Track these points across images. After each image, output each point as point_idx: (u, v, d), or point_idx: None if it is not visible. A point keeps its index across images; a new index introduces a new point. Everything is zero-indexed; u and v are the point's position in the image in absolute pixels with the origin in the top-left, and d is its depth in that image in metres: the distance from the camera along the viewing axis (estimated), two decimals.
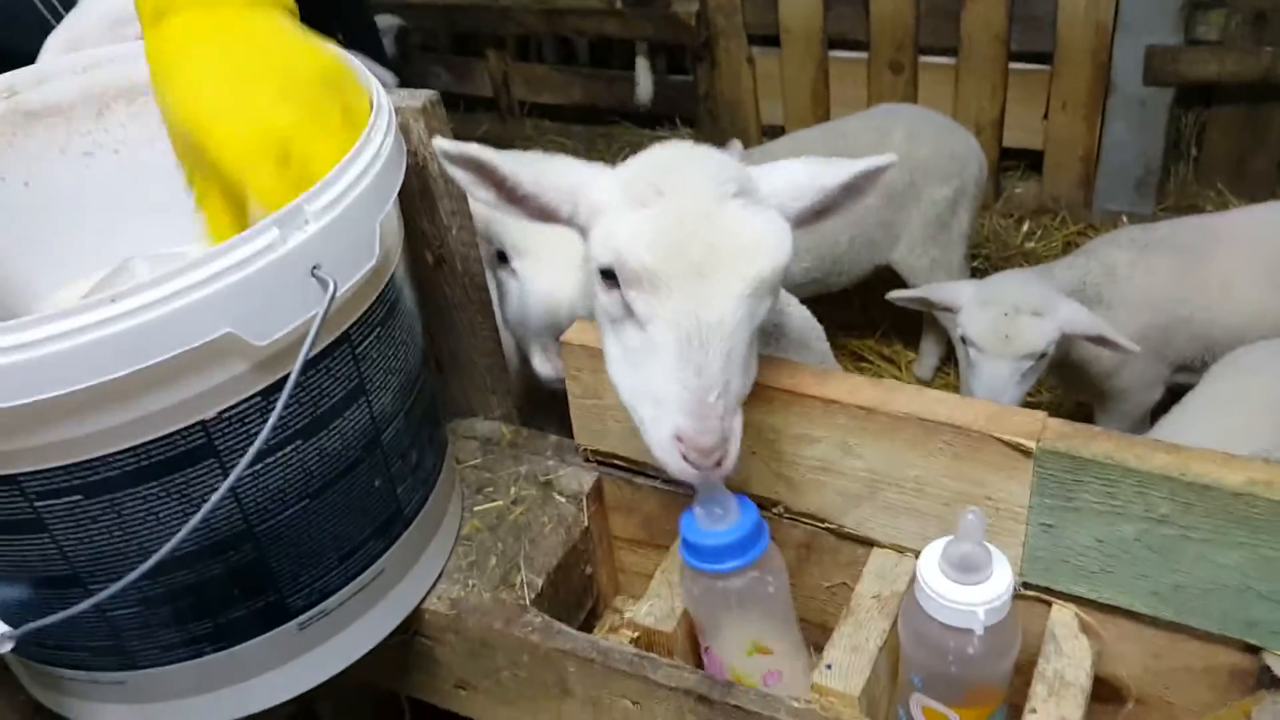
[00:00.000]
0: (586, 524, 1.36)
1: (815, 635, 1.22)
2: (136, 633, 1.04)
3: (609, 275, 1.04)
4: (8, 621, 0.99)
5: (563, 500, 1.38)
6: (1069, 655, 1.11)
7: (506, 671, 1.24)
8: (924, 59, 3.95)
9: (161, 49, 1.11)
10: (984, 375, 2.38)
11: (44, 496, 0.93)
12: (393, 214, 1.13)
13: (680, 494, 1.33)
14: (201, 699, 1.11)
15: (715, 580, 1.11)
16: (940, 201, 2.96)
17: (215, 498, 0.92)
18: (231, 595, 1.05)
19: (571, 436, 1.41)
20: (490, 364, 1.47)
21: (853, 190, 1.14)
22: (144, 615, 1.03)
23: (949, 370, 3.27)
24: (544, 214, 1.14)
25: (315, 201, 0.96)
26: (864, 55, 4.04)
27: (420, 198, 1.32)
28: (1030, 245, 3.75)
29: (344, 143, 1.03)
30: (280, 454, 1.01)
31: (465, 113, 5.02)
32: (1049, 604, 1.15)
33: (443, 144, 1.10)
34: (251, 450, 0.93)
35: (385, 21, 4.38)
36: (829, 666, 1.10)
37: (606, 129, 4.78)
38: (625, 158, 1.14)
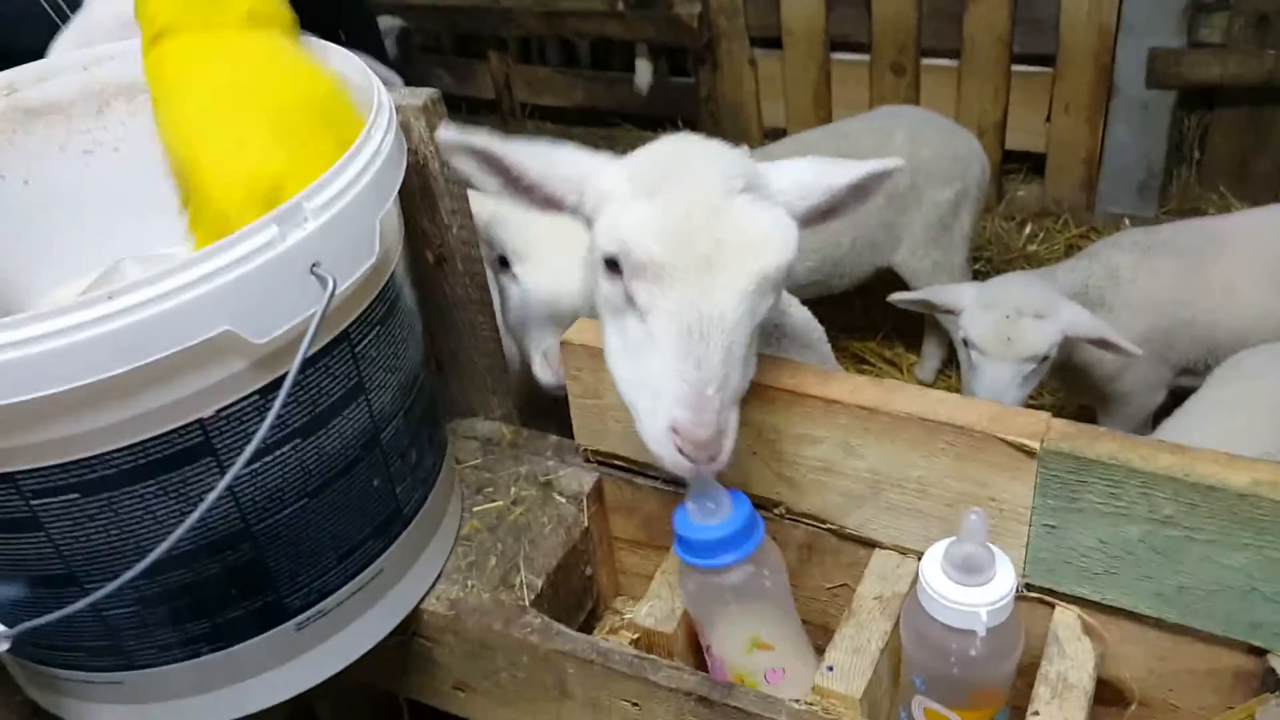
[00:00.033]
0: (586, 524, 1.36)
1: (817, 637, 1.21)
2: (133, 632, 1.04)
3: (613, 265, 1.04)
4: (4, 621, 0.98)
5: (563, 501, 1.37)
6: (1072, 657, 1.10)
7: (506, 673, 1.23)
8: (926, 61, 3.94)
9: (159, 71, 1.10)
10: (986, 378, 2.37)
11: (40, 495, 0.92)
12: (393, 212, 1.12)
13: (681, 494, 1.32)
14: (199, 699, 1.10)
15: (710, 576, 1.11)
16: (942, 204, 2.95)
17: (212, 496, 0.92)
18: (229, 595, 1.04)
19: (572, 439, 1.40)
20: (491, 364, 1.47)
21: (860, 192, 1.14)
22: (141, 615, 1.02)
23: (951, 373, 3.27)
24: (548, 203, 1.13)
25: (315, 199, 0.95)
26: (866, 57, 4.03)
27: (421, 196, 1.31)
28: (1032, 248, 3.74)
29: None
30: (278, 453, 1.00)
31: (467, 115, 5.02)
32: (1052, 606, 1.14)
33: (446, 134, 1.10)
34: (249, 449, 0.92)
35: (387, 23, 4.37)
36: (830, 668, 1.10)
37: (608, 131, 4.77)
38: None
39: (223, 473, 0.96)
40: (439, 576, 1.28)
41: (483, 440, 1.48)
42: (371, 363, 1.08)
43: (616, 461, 1.37)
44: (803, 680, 1.14)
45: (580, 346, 1.27)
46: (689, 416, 0.96)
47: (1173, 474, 1.00)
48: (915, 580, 1.05)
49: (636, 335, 1.03)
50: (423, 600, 1.25)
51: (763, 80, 4.32)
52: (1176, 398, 2.52)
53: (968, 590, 0.99)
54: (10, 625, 0.97)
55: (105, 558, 0.97)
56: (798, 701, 1.08)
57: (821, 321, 1.46)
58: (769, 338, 1.30)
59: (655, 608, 1.23)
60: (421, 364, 1.21)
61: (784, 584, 1.15)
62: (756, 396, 1.16)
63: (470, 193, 1.39)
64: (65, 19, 1.52)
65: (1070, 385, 2.77)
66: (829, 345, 1.45)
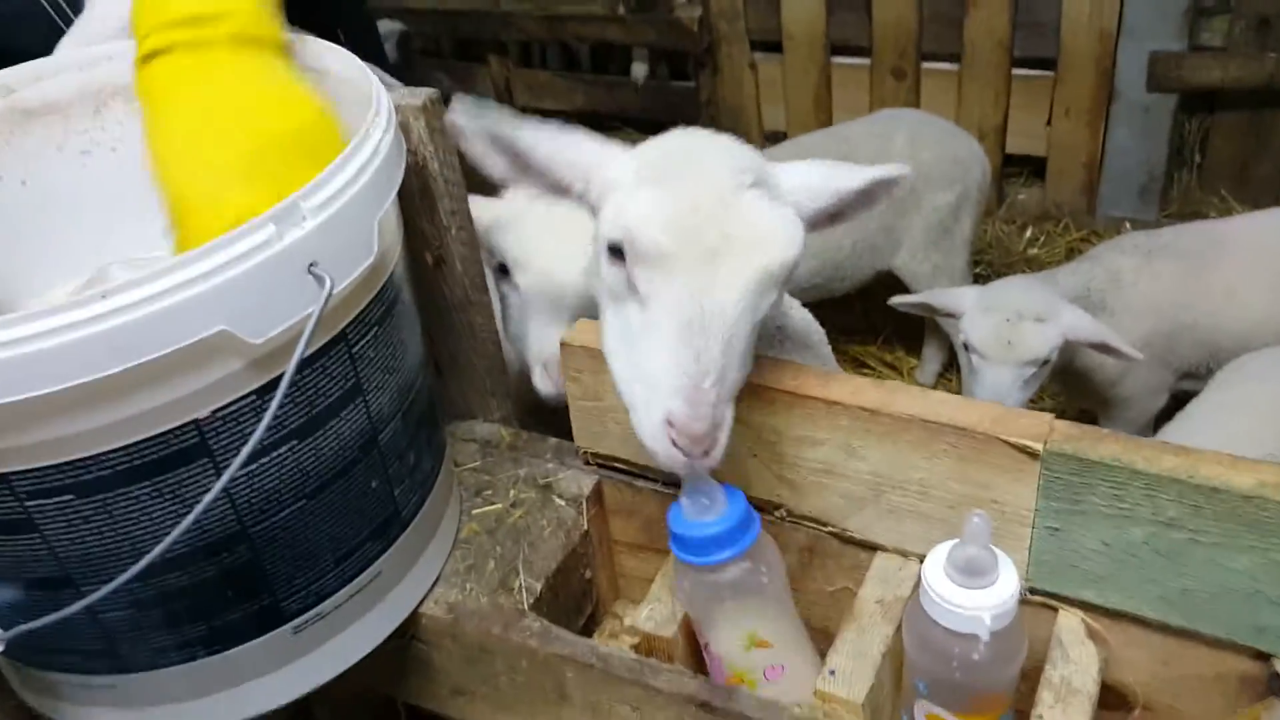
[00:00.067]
0: (586, 527, 1.35)
1: (818, 641, 1.20)
2: (129, 635, 1.03)
3: (616, 252, 1.03)
4: None
5: (562, 503, 1.36)
6: (1076, 662, 1.09)
7: (505, 677, 1.22)
8: (927, 65, 3.94)
9: (148, 92, 1.09)
10: (986, 381, 2.37)
11: (35, 496, 0.91)
12: (391, 212, 1.11)
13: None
14: (195, 703, 1.09)
15: (707, 574, 1.09)
16: (943, 207, 2.95)
17: (208, 498, 0.91)
18: (225, 598, 1.03)
19: (571, 442, 1.40)
20: (490, 366, 1.46)
21: (867, 198, 1.13)
22: (136, 618, 1.01)
23: (951, 376, 3.26)
24: (555, 186, 1.13)
25: (312, 198, 0.94)
26: (867, 61, 4.04)
27: (420, 197, 1.31)
28: (1033, 252, 3.74)
29: None
30: (275, 454, 0.99)
31: None
32: (1055, 609, 1.13)
33: (457, 114, 1.09)
34: (245, 450, 0.91)
35: (387, 27, 4.37)
36: (832, 672, 1.09)
37: (608, 135, 4.76)
38: None
39: (219, 474, 0.95)
40: (437, 580, 1.27)
41: (482, 442, 1.47)
42: (369, 364, 1.07)
43: (616, 464, 1.36)
44: (802, 677, 1.13)
45: (580, 348, 1.26)
46: (685, 409, 0.95)
47: (1177, 476, 0.99)
48: (917, 584, 1.04)
49: (636, 324, 1.02)
50: (421, 604, 1.24)
51: (763, 84, 4.32)
52: (1178, 401, 2.51)
53: (971, 594, 0.98)
54: (4, 628, 0.96)
55: (100, 560, 0.96)
56: (800, 706, 1.07)
57: (822, 325, 1.45)
58: (770, 340, 1.29)
59: (655, 611, 1.22)
60: (420, 365, 1.20)
61: (781, 580, 1.14)
62: (757, 398, 1.15)
63: (471, 197, 1.39)
64: (65, 18, 1.51)
65: (1071, 389, 2.76)
66: (829, 347, 1.44)
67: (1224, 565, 1.01)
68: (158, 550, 0.90)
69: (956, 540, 1.01)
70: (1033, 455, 1.05)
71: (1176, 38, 3.48)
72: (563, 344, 1.28)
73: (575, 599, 1.36)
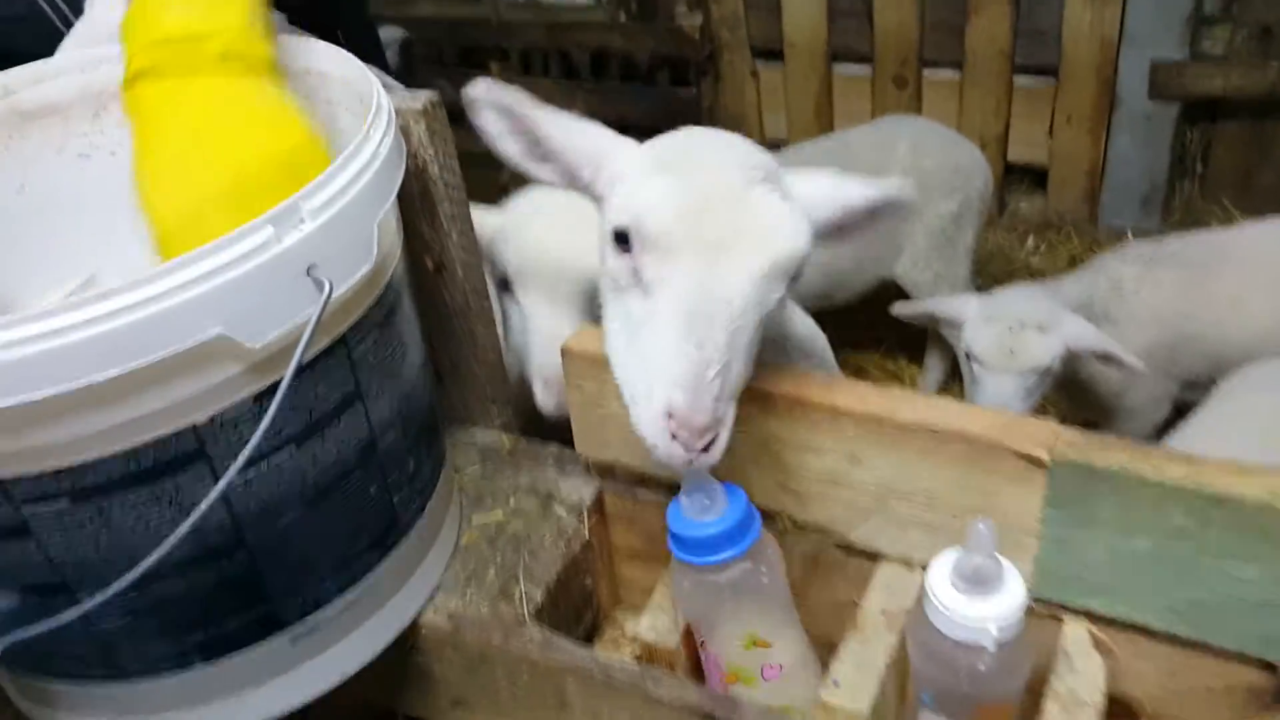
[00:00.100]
0: (587, 536, 1.34)
1: (821, 651, 1.19)
2: (125, 643, 1.01)
3: (622, 240, 1.02)
4: None
5: (563, 512, 1.35)
6: (1082, 673, 1.08)
7: (505, 687, 1.21)
8: (928, 73, 3.94)
9: (136, 110, 1.07)
10: (988, 391, 2.36)
11: (30, 501, 0.90)
12: (391, 215, 1.10)
13: None
14: (192, 712, 1.08)
15: (707, 574, 1.08)
16: (945, 215, 2.94)
17: (205, 504, 0.90)
18: (222, 606, 1.02)
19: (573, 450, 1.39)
20: (491, 373, 1.45)
21: (872, 215, 1.12)
22: (133, 625, 1.00)
23: (954, 386, 3.25)
24: (565, 173, 1.13)
25: (311, 200, 0.93)
26: (868, 69, 4.04)
27: (420, 201, 1.30)
28: (1035, 261, 3.73)
29: None
30: (273, 460, 0.98)
31: (469, 127, 5.00)
32: (1061, 620, 1.12)
33: (476, 89, 1.09)
34: (242, 455, 0.90)
35: (389, 34, 4.37)
36: (836, 683, 1.07)
37: None
38: None
39: (216, 480, 0.94)
40: (437, 588, 1.25)
41: (482, 450, 1.46)
42: (369, 369, 1.06)
43: (618, 472, 1.35)
44: (800, 678, 1.11)
45: (582, 355, 1.25)
46: (686, 399, 0.93)
47: (1185, 485, 0.98)
48: (922, 593, 1.02)
49: (640, 314, 1.01)
50: (421, 612, 1.23)
51: (764, 92, 4.31)
52: (1181, 412, 2.50)
53: (977, 603, 0.97)
54: (0, 635, 0.95)
55: (97, 566, 0.95)
56: (804, 717, 1.06)
57: (824, 333, 1.44)
58: (774, 348, 1.28)
59: (657, 621, 1.21)
60: (420, 371, 1.19)
61: (781, 579, 1.12)
62: (759, 405, 1.14)
63: (473, 207, 1.38)
64: (66, 21, 1.51)
65: (1074, 399, 2.75)
66: (833, 355, 1.43)
67: (1232, 575, 1.00)
68: (154, 556, 0.89)
69: (961, 549, 1.00)
70: (1039, 464, 1.03)
71: (1178, 46, 3.47)
72: (564, 351, 1.27)
73: (576, 608, 1.35)
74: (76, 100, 1.32)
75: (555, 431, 1.48)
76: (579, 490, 1.37)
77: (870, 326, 3.42)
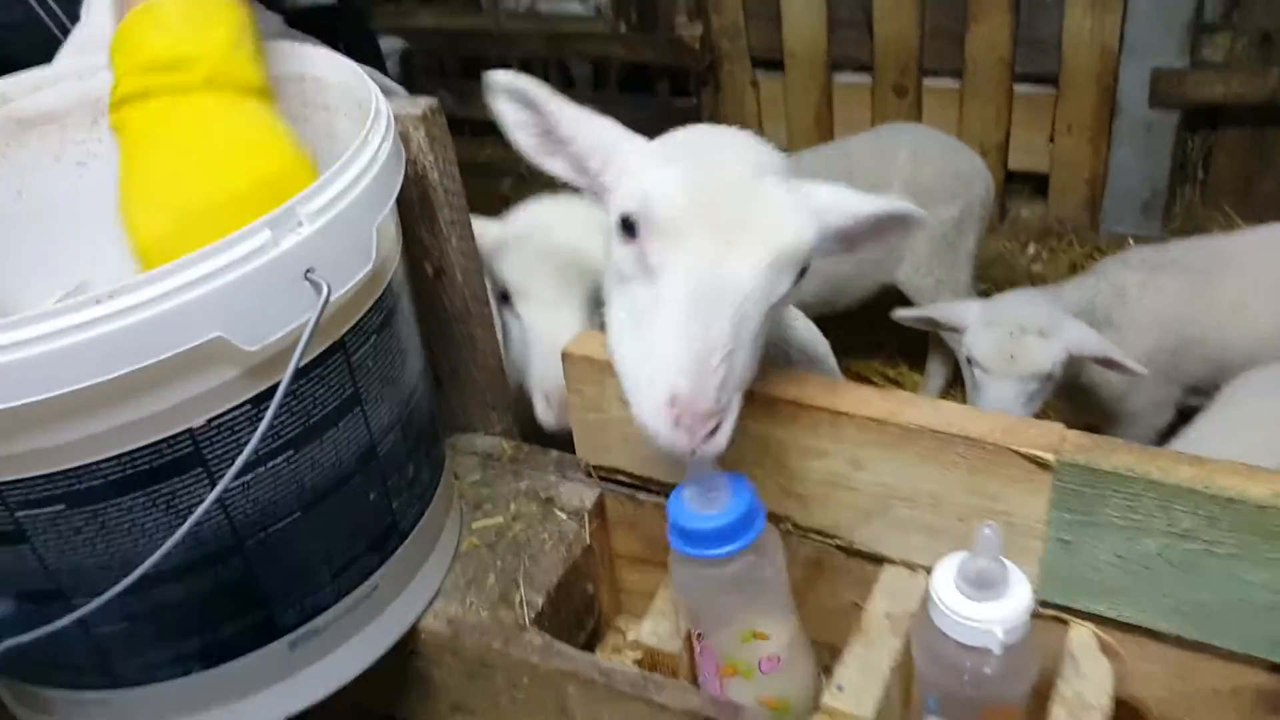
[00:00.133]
0: (588, 541, 1.33)
1: (825, 655, 1.18)
2: (121, 649, 1.00)
3: (629, 228, 1.01)
4: None
5: (564, 517, 1.34)
6: (1089, 676, 1.07)
7: (505, 693, 1.20)
8: (928, 82, 3.94)
9: (121, 134, 1.07)
10: (989, 396, 2.35)
11: (25, 506, 0.89)
12: (390, 219, 1.10)
13: None
14: (188, 719, 1.07)
15: (708, 567, 1.05)
16: (946, 221, 2.94)
17: (202, 508, 0.89)
18: (220, 611, 1.01)
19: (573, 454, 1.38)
20: (490, 378, 1.44)
21: (879, 228, 1.11)
22: (129, 631, 0.99)
23: (956, 393, 3.24)
24: (575, 165, 1.13)
25: (309, 203, 0.93)
26: (868, 78, 4.04)
27: (419, 207, 1.29)
28: (1037, 268, 3.73)
29: None
30: (271, 464, 0.97)
31: (470, 136, 5.01)
32: (1067, 623, 1.11)
33: (496, 76, 1.09)
34: (239, 460, 0.89)
35: (390, 44, 4.38)
36: (840, 687, 1.06)
37: None
38: None
39: (213, 484, 0.93)
40: (436, 594, 1.24)
41: (482, 455, 1.45)
42: (368, 373, 1.05)
43: (619, 477, 1.34)
44: (798, 669, 1.10)
45: (582, 359, 1.25)
46: (690, 383, 0.91)
47: (1192, 486, 0.97)
48: (926, 597, 1.02)
49: (644, 301, 0.99)
50: (420, 618, 1.22)
51: (765, 101, 4.32)
52: (1184, 417, 2.50)
53: (982, 606, 0.96)
54: None
55: (92, 572, 0.94)
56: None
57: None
58: (776, 353, 1.27)
59: (659, 626, 1.20)
60: (420, 375, 1.18)
61: (782, 570, 1.10)
62: (761, 409, 1.13)
63: (473, 219, 1.38)
64: (64, 29, 1.51)
65: (1077, 405, 2.74)
66: (835, 360, 1.42)
67: (1240, 577, 0.99)
68: (150, 562, 0.89)
69: (965, 552, 0.99)
70: (1044, 466, 1.03)
71: (1178, 54, 3.47)
72: (565, 355, 1.26)
73: (577, 613, 1.34)
74: (74, 108, 1.32)
75: (556, 439, 1.48)
76: (580, 495, 1.36)
77: (871, 333, 3.42)
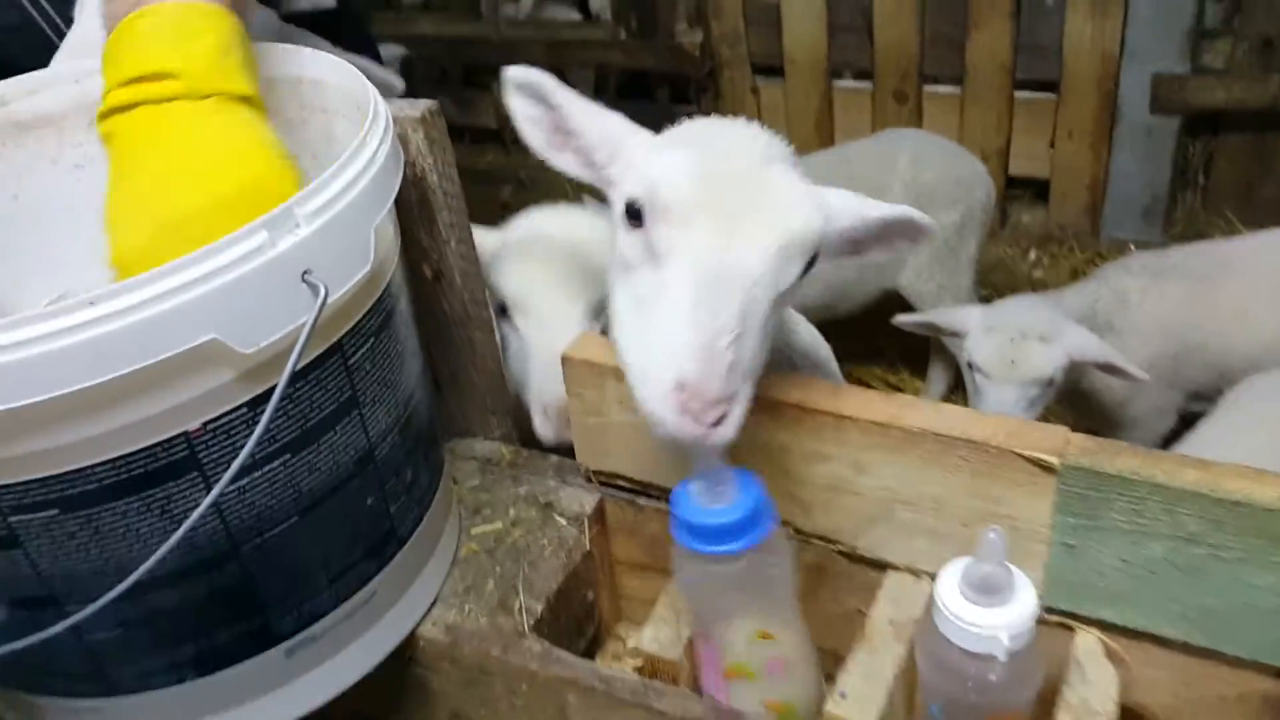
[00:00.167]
0: (588, 547, 1.31)
1: (828, 662, 1.17)
2: (116, 657, 0.99)
3: (634, 215, 1.00)
4: None
5: (563, 522, 1.33)
6: (1094, 683, 1.06)
7: (504, 700, 1.19)
8: (929, 88, 3.94)
9: (108, 145, 1.06)
10: (990, 401, 2.34)
11: (18, 511, 0.88)
12: (388, 221, 1.09)
13: None
14: None
15: (715, 564, 1.02)
16: (947, 226, 2.93)
17: (196, 514, 0.88)
18: (215, 618, 1.00)
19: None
20: (490, 383, 1.43)
21: (886, 233, 1.11)
22: (123, 638, 0.98)
23: (957, 398, 3.23)
24: (583, 158, 1.12)
25: (307, 204, 0.92)
26: (868, 85, 4.04)
27: (418, 209, 1.28)
28: (1038, 274, 3.72)
29: None
30: (267, 468, 0.96)
31: (470, 144, 5.02)
32: (1072, 629, 1.10)
33: (510, 71, 1.10)
34: (236, 463, 0.88)
35: (390, 52, 4.37)
36: (843, 695, 1.05)
37: None
38: None
39: (209, 489, 0.92)
40: (435, 600, 1.23)
41: (481, 460, 1.44)
42: (366, 376, 1.04)
43: (619, 482, 1.33)
44: (802, 672, 1.09)
45: (582, 362, 1.24)
46: (698, 367, 0.89)
47: (1198, 489, 0.96)
48: (931, 603, 1.00)
49: (649, 288, 0.98)
50: (418, 625, 1.20)
51: (765, 108, 4.31)
52: (1186, 423, 2.49)
53: (987, 612, 0.95)
54: None
55: (86, 578, 0.93)
56: None
57: None
58: (778, 357, 1.26)
59: (659, 632, 1.19)
60: (419, 379, 1.17)
61: (791, 570, 1.08)
62: (764, 412, 1.12)
63: (472, 229, 1.37)
64: (60, 33, 1.50)
65: (1078, 410, 2.73)
66: (837, 365, 1.41)
67: (1247, 582, 0.98)
68: (144, 567, 0.87)
69: (969, 557, 0.98)
70: (1049, 469, 1.01)
71: (1179, 60, 3.47)
72: (564, 358, 1.25)
73: (577, 620, 1.32)
74: (71, 111, 1.31)
75: (555, 447, 1.47)
76: (580, 500, 1.35)
77: (873, 338, 3.41)
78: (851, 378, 3.33)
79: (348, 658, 1.11)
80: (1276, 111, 3.43)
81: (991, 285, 3.61)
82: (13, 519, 0.88)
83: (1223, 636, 1.03)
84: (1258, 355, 2.47)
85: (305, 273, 0.91)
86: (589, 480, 1.36)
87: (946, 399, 3.25)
